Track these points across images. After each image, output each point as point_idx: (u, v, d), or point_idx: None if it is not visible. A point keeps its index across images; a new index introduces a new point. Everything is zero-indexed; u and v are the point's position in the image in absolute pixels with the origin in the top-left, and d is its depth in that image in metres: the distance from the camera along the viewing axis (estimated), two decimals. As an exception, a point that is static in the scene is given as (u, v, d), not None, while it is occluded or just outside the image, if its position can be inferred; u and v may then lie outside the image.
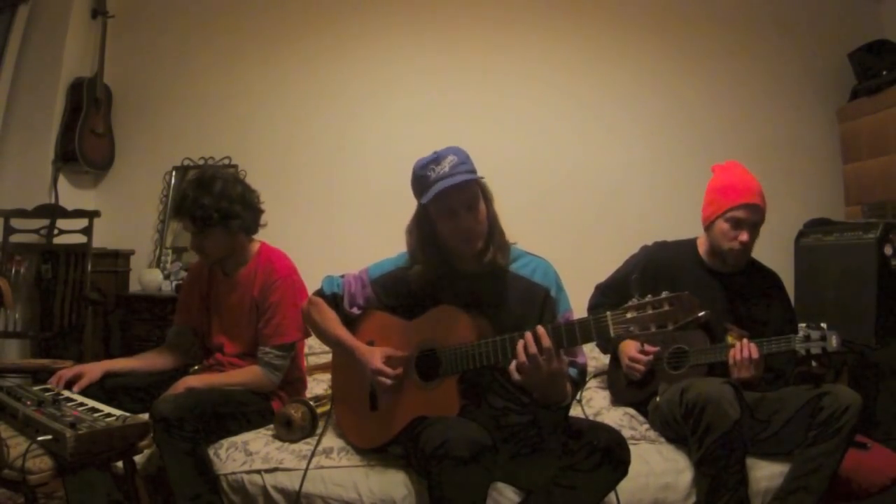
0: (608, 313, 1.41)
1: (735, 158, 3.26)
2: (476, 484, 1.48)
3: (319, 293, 1.92)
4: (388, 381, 1.67)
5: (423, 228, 1.74)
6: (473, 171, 1.68)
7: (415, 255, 1.77)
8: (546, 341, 1.45)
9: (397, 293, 1.83)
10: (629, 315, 1.38)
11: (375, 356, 1.70)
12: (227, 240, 2.04)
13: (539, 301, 1.73)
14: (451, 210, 1.65)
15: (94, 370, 1.97)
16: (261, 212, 2.12)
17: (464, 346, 1.63)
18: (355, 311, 1.89)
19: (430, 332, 1.72)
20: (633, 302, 1.38)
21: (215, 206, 1.97)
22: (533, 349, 1.46)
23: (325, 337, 1.88)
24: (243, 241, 2.10)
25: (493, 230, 1.72)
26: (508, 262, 1.75)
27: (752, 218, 2.00)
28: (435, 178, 1.64)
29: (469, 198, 1.66)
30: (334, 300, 1.89)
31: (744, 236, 2.00)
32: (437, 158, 1.67)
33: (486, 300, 1.72)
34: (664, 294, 1.36)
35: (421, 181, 1.68)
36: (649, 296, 1.37)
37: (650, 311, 1.36)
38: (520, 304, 1.72)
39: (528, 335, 1.48)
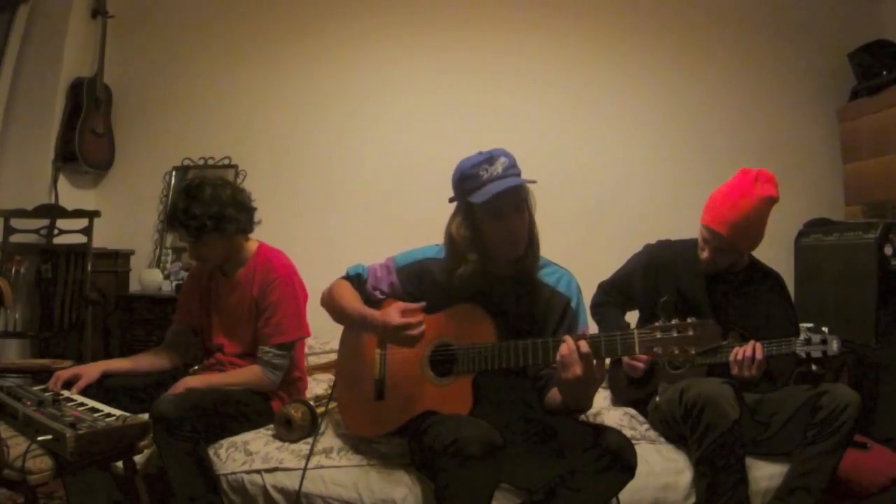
0: (635, 331, 1.46)
1: (735, 158, 3.30)
2: (485, 483, 1.49)
3: (344, 276, 1.89)
4: (416, 332, 1.59)
5: (471, 228, 1.69)
6: (520, 174, 1.67)
7: (463, 254, 1.69)
8: (585, 348, 1.45)
9: (421, 283, 1.80)
10: (656, 335, 1.44)
11: (391, 314, 1.62)
12: (225, 244, 2.04)
13: (560, 309, 1.73)
14: (500, 211, 1.63)
15: (91, 371, 1.96)
16: (254, 210, 2.12)
17: (483, 347, 1.63)
18: (378, 294, 1.85)
19: (449, 329, 1.71)
20: (660, 323, 1.44)
21: (207, 213, 1.95)
22: (581, 351, 1.45)
23: (341, 311, 1.79)
24: (241, 242, 2.10)
25: (532, 237, 1.72)
26: (538, 270, 1.75)
27: (715, 243, 2.01)
28: (488, 178, 1.62)
29: (518, 200, 1.65)
30: (358, 281, 1.87)
31: (705, 253, 2.04)
32: (490, 158, 1.64)
33: (511, 303, 1.72)
34: (690, 320, 1.42)
35: (471, 180, 1.64)
36: (675, 320, 1.43)
37: (675, 335, 1.42)
38: (542, 311, 1.72)
39: (570, 340, 1.47)
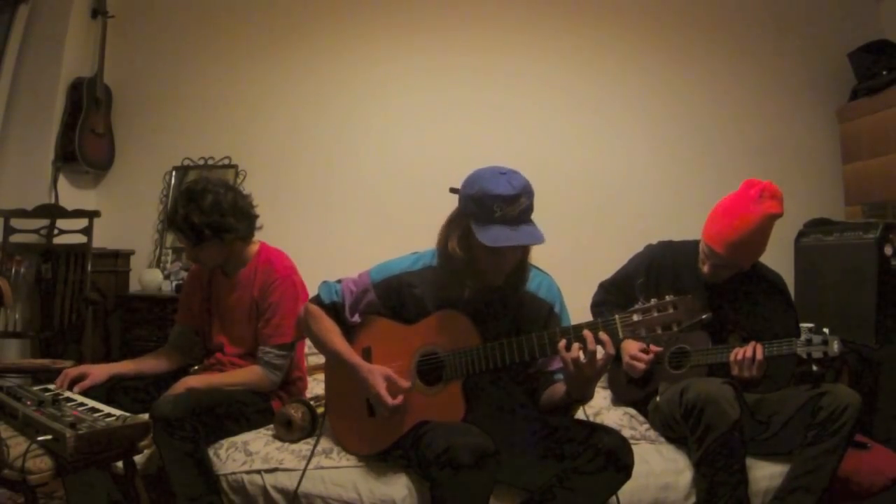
0: (616, 316, 1.46)
1: (735, 158, 3.33)
2: (479, 490, 1.48)
3: (317, 302, 1.84)
4: (386, 414, 1.65)
5: (466, 249, 1.63)
6: (531, 216, 1.59)
7: (458, 273, 1.66)
8: (592, 345, 1.46)
9: (401, 297, 1.78)
10: (635, 318, 1.43)
11: (378, 381, 1.64)
12: (223, 250, 2.04)
13: (543, 315, 1.73)
14: (501, 253, 1.59)
15: (99, 373, 1.96)
16: (255, 217, 2.11)
17: (468, 350, 1.62)
18: (356, 319, 1.83)
19: (432, 337, 1.70)
20: (639, 305, 1.43)
21: (206, 221, 1.94)
22: (593, 346, 1.47)
23: (322, 348, 1.82)
24: (240, 247, 2.09)
25: (524, 263, 1.69)
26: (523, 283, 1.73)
27: (715, 260, 2.00)
28: (500, 218, 1.53)
29: (520, 249, 1.63)
30: (334, 309, 1.83)
31: (706, 267, 2.04)
32: (512, 198, 1.52)
33: (493, 310, 1.71)
34: (668, 297, 1.41)
35: (483, 210, 1.55)
36: (654, 299, 1.42)
37: (655, 314, 1.41)
38: (524, 317, 1.72)
39: (588, 333, 1.48)
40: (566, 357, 1.49)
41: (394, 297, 1.80)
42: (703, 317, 1.40)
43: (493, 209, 1.53)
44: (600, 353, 1.46)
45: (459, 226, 1.64)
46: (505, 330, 1.68)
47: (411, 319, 1.76)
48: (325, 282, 1.88)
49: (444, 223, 1.70)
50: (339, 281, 1.87)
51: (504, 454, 1.54)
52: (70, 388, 1.90)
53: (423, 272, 1.77)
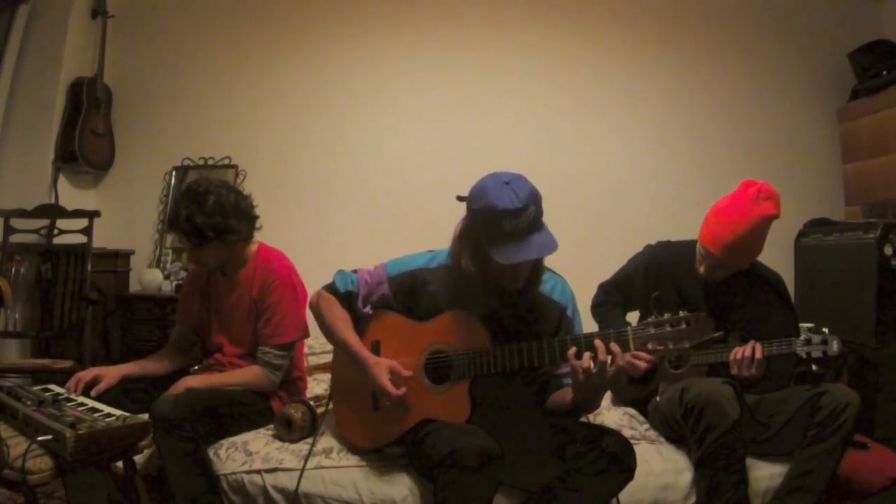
0: (629, 328, 1.47)
1: (735, 158, 3.33)
2: (483, 492, 1.49)
3: (332, 290, 1.84)
4: (388, 404, 1.63)
5: (480, 264, 1.61)
6: (543, 222, 1.58)
7: (474, 288, 1.65)
8: (602, 355, 1.47)
9: (414, 294, 1.78)
10: (649, 331, 1.45)
11: (382, 371, 1.64)
12: (224, 251, 2.03)
13: (555, 318, 1.73)
14: (516, 265, 1.56)
15: (111, 375, 1.96)
16: (256, 217, 2.10)
17: (478, 351, 1.63)
18: (368, 310, 1.83)
19: (441, 336, 1.71)
20: (653, 319, 1.45)
21: (209, 223, 1.93)
22: (603, 357, 1.47)
23: (331, 336, 1.82)
24: (240, 247, 2.09)
25: (538, 268, 1.68)
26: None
27: (710, 261, 2.00)
28: (510, 233, 1.50)
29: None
30: (348, 299, 1.83)
31: (702, 268, 2.03)
32: (517, 211, 1.49)
33: (505, 311, 1.71)
34: (682, 313, 1.43)
35: (492, 226, 1.52)
36: (667, 314, 1.44)
37: (668, 329, 1.43)
38: (536, 319, 1.71)
39: (600, 343, 1.48)
40: (576, 365, 1.49)
41: (407, 293, 1.79)
42: (716, 335, 1.43)
43: (502, 225, 1.51)
44: (610, 363, 1.46)
45: (470, 241, 1.63)
46: (516, 331, 1.68)
47: (423, 316, 1.76)
48: (340, 271, 1.88)
49: (455, 236, 1.69)
50: (354, 271, 1.87)
51: (507, 454, 1.54)
52: (85, 393, 1.89)
53: (438, 270, 1.77)
